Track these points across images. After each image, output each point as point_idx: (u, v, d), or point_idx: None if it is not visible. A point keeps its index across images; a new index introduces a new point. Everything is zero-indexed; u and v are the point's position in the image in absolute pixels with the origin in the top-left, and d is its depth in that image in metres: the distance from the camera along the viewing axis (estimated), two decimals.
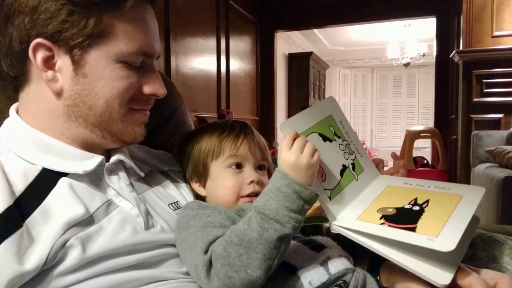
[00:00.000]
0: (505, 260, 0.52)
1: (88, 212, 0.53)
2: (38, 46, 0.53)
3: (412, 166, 3.52)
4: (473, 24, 3.03)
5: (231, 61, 3.90)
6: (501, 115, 2.85)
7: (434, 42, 4.08)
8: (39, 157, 0.56)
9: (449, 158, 3.47)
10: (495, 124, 2.86)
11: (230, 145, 0.67)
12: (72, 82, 0.55)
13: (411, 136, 3.60)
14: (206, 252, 0.52)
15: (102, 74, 0.55)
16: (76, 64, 0.54)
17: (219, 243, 0.52)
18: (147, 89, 0.59)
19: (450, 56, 3.20)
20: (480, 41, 3.01)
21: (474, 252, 0.56)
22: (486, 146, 2.41)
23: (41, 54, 0.53)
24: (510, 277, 0.44)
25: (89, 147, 0.59)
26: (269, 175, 0.73)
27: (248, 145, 0.67)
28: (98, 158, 0.58)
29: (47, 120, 0.57)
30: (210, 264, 0.51)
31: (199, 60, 3.35)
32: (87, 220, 0.53)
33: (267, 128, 4.78)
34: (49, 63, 0.54)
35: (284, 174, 0.51)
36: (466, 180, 2.87)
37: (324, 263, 0.55)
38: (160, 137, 0.90)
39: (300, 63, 5.75)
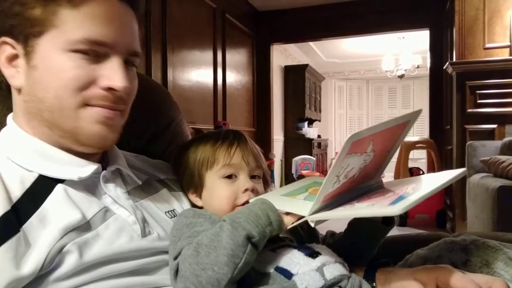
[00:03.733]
0: (499, 265, 0.53)
1: (85, 218, 0.54)
2: (1, 45, 0.54)
3: (408, 177, 3.53)
4: (466, 36, 3.08)
5: (228, 73, 3.93)
6: (495, 126, 2.88)
7: (428, 54, 4.14)
8: (36, 164, 0.56)
9: (444, 169, 3.49)
10: (489, 134, 2.88)
11: (223, 155, 0.67)
12: (25, 77, 0.54)
13: (407, 147, 3.61)
14: (175, 258, 0.55)
15: (51, 65, 0.53)
16: (28, 56, 0.53)
17: (189, 247, 0.54)
18: (103, 81, 0.54)
19: (444, 67, 3.25)
20: (472, 53, 3.06)
21: (468, 258, 0.57)
22: (480, 156, 2.43)
23: (5, 53, 0.54)
24: (503, 281, 0.45)
25: (77, 153, 0.58)
26: (265, 183, 0.74)
27: (241, 154, 0.68)
28: (93, 166, 0.58)
29: (26, 123, 0.57)
30: (177, 269, 0.53)
31: (196, 72, 3.38)
32: (84, 226, 0.53)
33: (264, 139, 4.79)
34: (14, 61, 0.55)
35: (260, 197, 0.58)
36: (462, 190, 2.88)
37: (319, 269, 0.55)
38: (158, 146, 0.90)
39: (296, 75, 5.80)
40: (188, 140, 0.77)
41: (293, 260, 0.57)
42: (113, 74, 0.54)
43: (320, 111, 6.90)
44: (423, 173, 3.86)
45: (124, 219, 0.58)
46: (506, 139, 2.41)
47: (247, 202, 0.66)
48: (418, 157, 6.12)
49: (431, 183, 0.55)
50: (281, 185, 4.76)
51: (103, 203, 0.58)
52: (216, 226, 0.55)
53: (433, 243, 0.63)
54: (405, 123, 0.58)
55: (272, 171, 4.65)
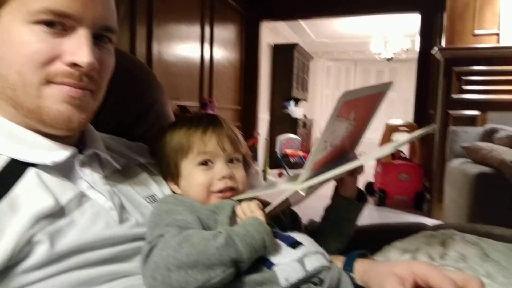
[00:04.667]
0: (475, 261, 0.54)
1: (59, 204, 0.51)
2: None
3: (390, 159, 3.58)
4: (456, 22, 3.08)
5: (215, 49, 3.85)
6: (477, 112, 2.93)
7: (417, 38, 4.13)
8: (5, 146, 0.53)
9: (426, 152, 3.55)
10: (472, 121, 2.93)
11: (197, 142, 0.65)
12: None
13: (390, 130, 3.65)
14: (150, 242, 0.53)
15: (12, 39, 0.49)
16: None
17: (174, 236, 0.52)
18: (67, 57, 0.50)
19: (432, 52, 3.25)
20: (461, 39, 3.06)
21: (446, 251, 0.58)
22: (462, 141, 2.48)
23: None
24: (479, 280, 0.45)
25: (51, 136, 0.55)
26: (246, 166, 0.72)
27: (216, 140, 0.65)
28: (68, 150, 0.56)
29: None
30: (149, 252, 0.52)
31: (182, 47, 3.30)
32: (58, 213, 0.51)
33: (249, 117, 4.77)
34: None
35: (257, 218, 0.56)
36: (441, 175, 2.95)
37: (300, 260, 0.55)
38: (140, 128, 0.88)
39: (285, 54, 5.74)
40: (163, 125, 0.75)
41: (275, 249, 0.57)
42: (77, 49, 0.50)
43: (307, 91, 6.88)
44: (405, 156, 3.92)
45: (100, 205, 0.56)
46: (488, 126, 2.46)
47: (224, 189, 0.65)
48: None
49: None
50: (265, 164, 4.78)
51: (79, 188, 0.56)
52: (211, 232, 0.53)
53: (412, 236, 0.63)
54: (381, 94, 0.62)
55: (256, 150, 4.65)
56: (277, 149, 5.35)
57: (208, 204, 0.64)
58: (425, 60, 3.90)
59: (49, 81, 0.51)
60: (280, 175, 5.04)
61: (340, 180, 0.71)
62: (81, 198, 0.55)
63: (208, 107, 3.46)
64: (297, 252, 0.57)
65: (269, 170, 4.80)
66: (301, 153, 5.35)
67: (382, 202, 3.51)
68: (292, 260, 0.55)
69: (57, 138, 0.56)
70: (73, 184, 0.56)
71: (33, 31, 0.49)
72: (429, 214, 3.18)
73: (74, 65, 0.51)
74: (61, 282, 0.48)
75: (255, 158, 4.60)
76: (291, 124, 5.77)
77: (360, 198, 0.72)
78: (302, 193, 0.56)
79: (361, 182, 4.31)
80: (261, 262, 0.55)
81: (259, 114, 4.88)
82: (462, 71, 2.95)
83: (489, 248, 0.56)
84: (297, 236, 0.62)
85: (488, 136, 2.28)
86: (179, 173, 0.68)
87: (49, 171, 0.54)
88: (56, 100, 0.51)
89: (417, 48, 4.10)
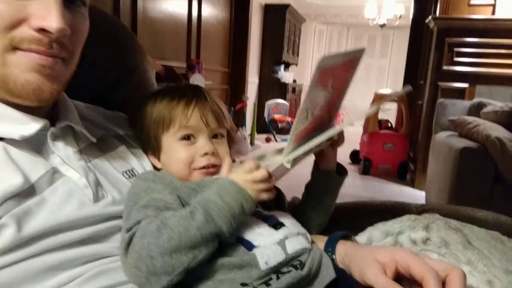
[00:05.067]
0: (457, 247, 0.53)
1: (29, 181, 0.48)
2: None
3: (377, 129, 3.59)
4: None
5: (204, 7, 3.69)
6: (466, 85, 2.92)
7: (412, 4, 4.02)
8: None
9: (412, 123, 3.57)
10: (460, 93, 2.93)
11: (180, 116, 0.61)
12: None
13: (379, 99, 3.64)
14: (129, 230, 0.50)
15: None
16: None
17: (151, 221, 0.50)
18: (33, 20, 0.45)
19: (426, 21, 3.18)
20: (456, 8, 2.99)
21: (429, 236, 0.57)
22: (449, 114, 2.48)
23: None
24: (460, 270, 0.45)
25: (20, 107, 0.51)
26: (230, 141, 0.70)
27: (200, 114, 0.62)
28: (39, 123, 0.52)
29: None
30: (130, 242, 0.50)
31: (168, 2, 3.14)
32: (27, 191, 0.47)
33: (238, 81, 4.68)
34: None
35: (234, 181, 0.53)
36: (426, 146, 2.98)
37: (281, 242, 0.54)
38: (119, 96, 0.83)
39: (276, 15, 5.56)
40: (144, 95, 0.70)
41: (256, 230, 0.55)
42: (45, 12, 0.45)
43: (297, 55, 6.75)
44: (391, 125, 3.94)
45: (74, 182, 0.53)
46: (475, 100, 2.46)
47: (206, 165, 0.62)
48: (389, 108, 6.22)
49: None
50: (252, 129, 4.75)
51: (51, 164, 0.52)
52: (187, 210, 0.51)
53: (397, 218, 0.62)
54: (355, 60, 0.62)
55: (244, 114, 4.60)
56: (265, 114, 5.31)
57: (189, 181, 0.62)
58: (418, 29, 3.82)
59: (14, 47, 0.46)
60: (267, 140, 5.03)
61: (320, 154, 0.69)
62: (53, 174, 0.51)
63: (195, 68, 3.36)
64: (278, 234, 0.56)
65: (256, 135, 4.79)
66: (289, 119, 5.33)
67: (366, 171, 3.56)
68: (272, 243, 0.54)
69: (27, 109, 0.51)
70: (44, 159, 0.52)
71: None
72: (412, 184, 3.25)
73: (42, 30, 0.46)
74: (31, 267, 0.45)
75: (242, 122, 4.56)
76: (280, 89, 5.70)
77: (340, 171, 0.71)
78: (288, 166, 0.55)
79: (347, 150, 4.37)
80: (241, 243, 0.53)
81: (247, 78, 4.79)
82: (455, 42, 2.91)
83: (471, 235, 0.56)
84: (280, 216, 0.61)
85: (476, 110, 2.28)
86: (159, 147, 0.65)
87: (17, 145, 0.50)
88: (24, 68, 0.47)
89: (411, 15, 4.01)
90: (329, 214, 0.73)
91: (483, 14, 2.91)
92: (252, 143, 4.62)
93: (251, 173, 0.53)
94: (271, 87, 5.67)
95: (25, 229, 0.45)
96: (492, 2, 2.91)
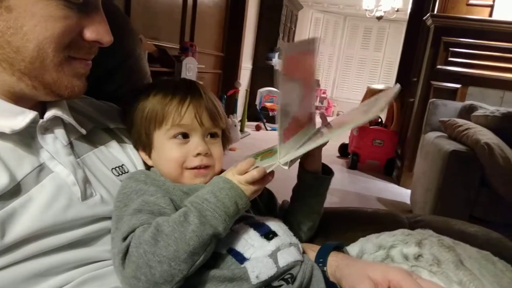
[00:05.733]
0: (449, 267, 0.53)
1: (15, 180, 0.45)
2: None
3: (367, 124, 3.60)
4: None
5: None
6: (458, 86, 2.93)
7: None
8: None
9: (402, 120, 3.59)
10: (452, 93, 2.94)
11: (173, 113, 0.59)
12: None
13: (371, 93, 3.63)
14: (125, 239, 0.48)
15: (32, 11, 0.44)
16: None
17: (144, 229, 0.48)
18: (89, 34, 0.49)
19: (424, 18, 3.16)
20: (454, 7, 2.98)
21: (421, 253, 0.57)
22: (440, 115, 2.49)
23: None
24: None
25: (18, 98, 0.49)
26: (225, 140, 0.68)
27: (194, 112, 0.59)
28: (30, 115, 0.49)
29: None
30: (126, 251, 0.48)
31: None
32: (12, 190, 0.45)
33: (231, 66, 4.62)
34: None
35: (227, 179, 0.51)
36: (415, 145, 3.00)
37: (273, 254, 0.53)
38: (111, 85, 0.80)
39: (273, 0, 5.46)
40: (137, 88, 0.68)
41: (248, 241, 0.54)
42: (99, 25, 0.50)
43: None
44: (381, 121, 3.96)
45: (62, 178, 0.50)
46: (467, 102, 2.47)
47: (198, 166, 0.60)
48: None
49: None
50: (243, 116, 4.72)
51: (39, 160, 0.50)
52: (180, 213, 0.49)
53: (390, 232, 0.62)
54: (312, 51, 0.61)
55: (236, 101, 4.56)
56: (257, 102, 5.27)
57: (180, 181, 0.60)
58: (414, 24, 3.80)
59: (69, 57, 0.49)
60: (257, 128, 5.01)
61: (306, 154, 0.68)
62: (41, 171, 0.49)
63: (189, 51, 3.29)
64: (270, 245, 0.54)
65: (246, 122, 4.76)
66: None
67: (354, 165, 3.58)
68: (264, 256, 0.52)
69: (18, 99, 0.49)
70: (33, 155, 0.50)
71: (58, 6, 0.46)
72: (398, 182, 3.28)
73: (95, 41, 0.50)
74: (17, 273, 0.43)
75: (234, 109, 4.51)
76: (273, 77, 5.64)
77: (326, 171, 0.70)
78: (286, 167, 0.53)
79: (336, 143, 4.34)
80: (233, 255, 0.52)
81: (241, 63, 4.73)
82: (451, 42, 2.90)
83: (464, 255, 0.55)
84: (272, 223, 0.60)
85: (467, 112, 2.29)
86: (151, 144, 0.62)
87: (5, 139, 0.48)
88: (74, 75, 0.51)
89: (409, 9, 3.98)
90: (319, 215, 0.72)
91: (481, 15, 2.91)
92: (242, 130, 4.60)
93: (246, 172, 0.51)
94: (264, 74, 5.61)
95: (9, 234, 0.43)
96: (491, 3, 2.90)
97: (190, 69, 3.06)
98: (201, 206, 0.49)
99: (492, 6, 2.91)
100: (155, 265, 0.45)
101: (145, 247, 0.46)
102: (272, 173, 0.53)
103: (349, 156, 3.67)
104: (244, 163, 0.52)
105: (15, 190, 0.45)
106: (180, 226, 0.47)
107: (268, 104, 5.28)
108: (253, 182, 0.51)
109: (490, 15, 2.90)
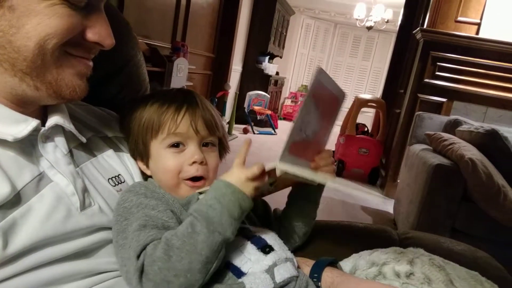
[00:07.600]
0: (439, 286, 0.55)
1: (15, 189, 0.45)
2: None
3: (354, 132, 3.65)
4: (442, 4, 3.04)
5: None
6: (444, 100, 3.00)
7: (401, 12, 4.08)
8: None
9: (388, 130, 3.65)
10: (438, 106, 3.01)
11: (169, 122, 0.59)
12: None
13: (359, 104, 3.68)
14: (138, 257, 0.49)
15: (36, 9, 0.43)
16: None
17: (155, 246, 0.48)
18: (91, 34, 0.48)
19: (413, 32, 3.23)
20: (444, 23, 3.05)
21: (413, 271, 0.58)
22: (426, 127, 2.55)
23: None
24: None
25: (20, 102, 0.49)
26: (222, 150, 0.68)
27: (190, 120, 0.60)
28: (32, 123, 0.49)
29: None
30: (142, 270, 0.48)
31: None
32: (13, 200, 0.44)
33: (222, 67, 4.61)
34: None
35: (229, 183, 0.52)
36: (400, 155, 3.06)
37: (270, 269, 0.54)
38: (109, 90, 0.79)
39: (266, 5, 5.49)
40: (134, 98, 0.68)
41: (245, 255, 0.55)
42: (101, 27, 0.49)
43: (283, 47, 6.72)
44: (367, 129, 4.02)
45: (61, 188, 0.50)
46: (452, 117, 2.53)
47: (195, 177, 0.60)
48: (366, 111, 6.33)
49: None
50: (231, 118, 4.72)
51: (39, 169, 0.49)
52: (187, 224, 0.49)
53: (383, 249, 0.63)
54: (338, 100, 0.63)
55: (224, 103, 4.55)
56: (246, 105, 5.28)
57: (178, 193, 0.60)
58: (403, 36, 3.88)
59: (67, 53, 0.48)
60: (245, 131, 5.01)
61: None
62: (40, 180, 0.49)
63: (180, 51, 3.28)
64: (267, 260, 0.55)
65: (234, 125, 4.75)
66: (268, 112, 5.32)
67: (339, 173, 3.62)
68: (261, 271, 0.53)
69: (21, 105, 0.49)
70: (33, 163, 0.49)
71: (61, 5, 0.45)
72: (381, 190, 3.33)
73: (96, 43, 0.49)
74: (23, 284, 0.43)
75: (223, 111, 4.51)
76: (263, 80, 5.66)
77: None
78: (278, 171, 0.53)
79: None
80: (230, 269, 0.52)
81: (232, 65, 4.73)
82: (439, 56, 2.97)
83: (454, 275, 0.57)
84: (267, 236, 0.60)
85: (451, 127, 2.35)
86: (148, 153, 0.63)
87: (6, 147, 0.47)
88: (74, 73, 0.50)
89: (399, 21, 4.06)
90: (313, 222, 0.73)
91: (468, 32, 2.99)
92: (229, 132, 4.59)
93: (246, 170, 0.52)
94: (254, 77, 5.62)
95: (11, 245, 0.42)
96: (478, 21, 2.99)
97: (181, 69, 3.05)
98: (207, 214, 0.49)
99: (479, 24, 3.00)
100: (172, 280, 0.46)
101: (159, 263, 0.47)
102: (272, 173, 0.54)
103: (335, 164, 3.70)
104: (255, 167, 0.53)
105: (15, 200, 0.45)
106: (189, 238, 0.48)
107: (256, 108, 5.29)
108: (253, 179, 0.52)
109: (477, 32, 2.98)
